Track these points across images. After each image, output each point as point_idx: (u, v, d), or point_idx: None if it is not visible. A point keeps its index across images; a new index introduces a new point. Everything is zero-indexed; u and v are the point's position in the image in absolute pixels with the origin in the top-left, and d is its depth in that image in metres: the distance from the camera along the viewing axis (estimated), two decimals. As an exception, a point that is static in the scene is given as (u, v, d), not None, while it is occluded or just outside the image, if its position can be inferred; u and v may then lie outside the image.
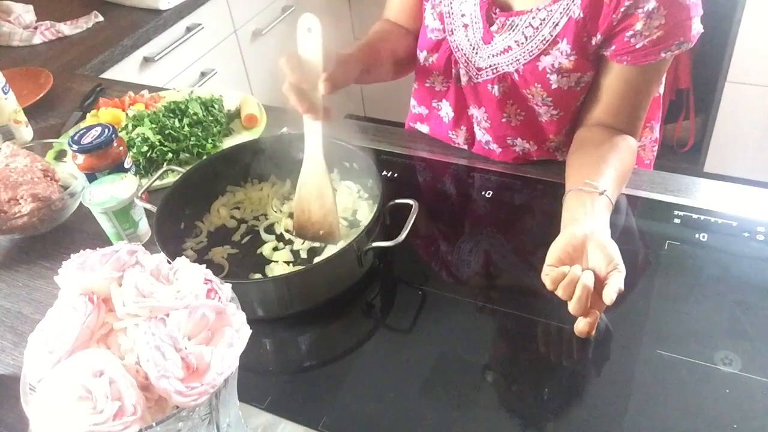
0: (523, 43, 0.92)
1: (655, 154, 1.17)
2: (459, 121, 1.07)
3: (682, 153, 2.39)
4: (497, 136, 1.04)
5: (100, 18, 1.81)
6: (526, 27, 0.91)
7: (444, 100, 1.08)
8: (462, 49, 0.99)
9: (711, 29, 0.91)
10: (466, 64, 1.00)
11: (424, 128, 1.17)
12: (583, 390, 0.73)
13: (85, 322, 0.55)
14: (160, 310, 0.55)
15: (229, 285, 0.60)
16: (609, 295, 0.73)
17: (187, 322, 0.54)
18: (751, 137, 2.14)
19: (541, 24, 0.90)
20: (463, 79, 1.02)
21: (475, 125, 1.07)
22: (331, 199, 0.90)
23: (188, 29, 1.88)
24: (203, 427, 0.56)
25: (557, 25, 0.89)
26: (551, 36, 0.90)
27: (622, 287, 0.74)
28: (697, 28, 0.87)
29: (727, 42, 1.98)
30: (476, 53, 0.98)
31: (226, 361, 0.53)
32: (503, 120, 1.01)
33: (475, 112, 1.04)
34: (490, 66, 0.97)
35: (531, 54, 0.92)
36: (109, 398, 0.49)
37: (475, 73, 0.99)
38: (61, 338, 0.54)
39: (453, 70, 1.02)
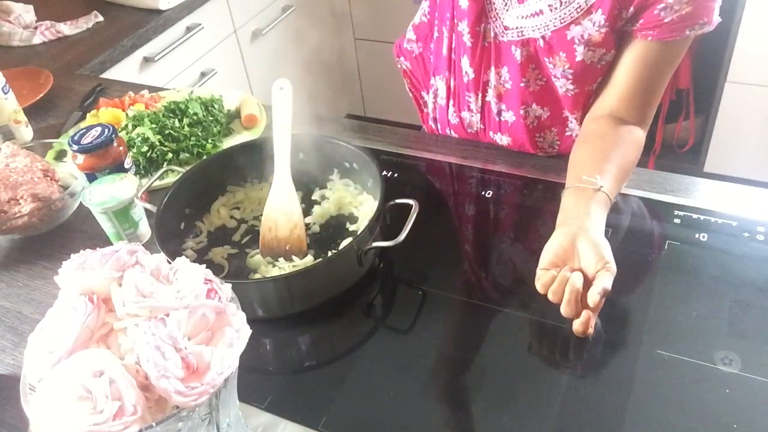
0: (556, 9, 0.92)
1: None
2: (477, 83, 1.06)
3: (682, 153, 2.39)
4: (513, 102, 1.03)
5: (100, 18, 1.81)
6: None
7: (465, 56, 1.05)
8: (494, 3, 0.98)
9: (711, 29, 0.91)
10: (495, 20, 0.98)
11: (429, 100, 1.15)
12: (583, 390, 0.73)
13: (85, 322, 0.55)
14: (160, 310, 0.55)
15: (229, 285, 0.60)
16: (592, 297, 0.73)
17: (187, 322, 0.54)
18: (751, 137, 2.14)
19: None
20: (490, 36, 1.00)
21: (489, 91, 1.06)
22: (297, 214, 0.91)
23: (188, 29, 1.88)
24: (203, 427, 0.56)
25: None
26: (586, 4, 0.90)
27: (608, 287, 0.73)
28: (717, 14, 0.88)
29: (727, 42, 1.98)
30: (507, 10, 0.97)
31: (226, 361, 0.53)
32: (521, 84, 1.01)
33: (493, 76, 1.04)
34: (517, 28, 0.96)
35: (562, 21, 0.92)
36: (109, 398, 0.49)
37: (501, 31, 0.98)
38: (61, 338, 0.54)
39: (482, 26, 1.00)
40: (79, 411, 0.49)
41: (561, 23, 0.92)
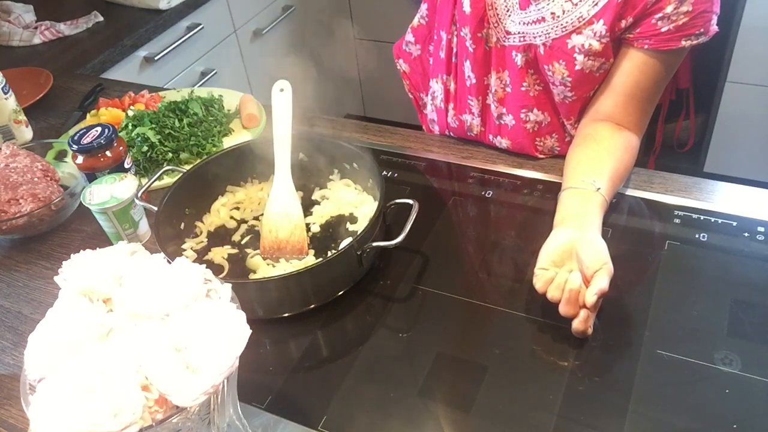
0: (559, 17, 0.92)
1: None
2: (479, 87, 1.06)
3: (682, 153, 2.38)
4: (513, 106, 1.03)
5: (100, 18, 1.81)
6: (565, 1, 0.91)
7: (468, 61, 1.05)
8: (496, 8, 0.98)
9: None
10: (496, 25, 0.98)
11: (427, 103, 1.15)
12: (583, 390, 0.73)
13: (85, 322, 0.55)
14: (160, 310, 0.55)
15: (229, 285, 0.60)
16: (589, 297, 0.73)
17: (187, 322, 0.54)
18: (751, 137, 2.14)
19: (581, 0, 0.90)
20: (492, 41, 1.00)
21: (490, 95, 1.06)
22: (298, 215, 0.92)
23: (188, 29, 1.88)
24: (203, 427, 0.56)
25: (597, 4, 0.89)
26: (588, 15, 0.90)
27: (605, 287, 0.74)
28: (714, 25, 0.88)
29: (727, 42, 1.98)
30: (509, 16, 0.96)
31: (226, 361, 0.53)
32: (522, 88, 1.00)
33: (494, 81, 1.03)
34: (519, 33, 0.96)
35: (564, 29, 0.92)
36: (109, 398, 0.49)
37: (503, 36, 0.98)
38: (61, 338, 0.54)
39: (484, 30, 1.00)
40: (79, 411, 0.49)
41: (562, 31, 0.92)
